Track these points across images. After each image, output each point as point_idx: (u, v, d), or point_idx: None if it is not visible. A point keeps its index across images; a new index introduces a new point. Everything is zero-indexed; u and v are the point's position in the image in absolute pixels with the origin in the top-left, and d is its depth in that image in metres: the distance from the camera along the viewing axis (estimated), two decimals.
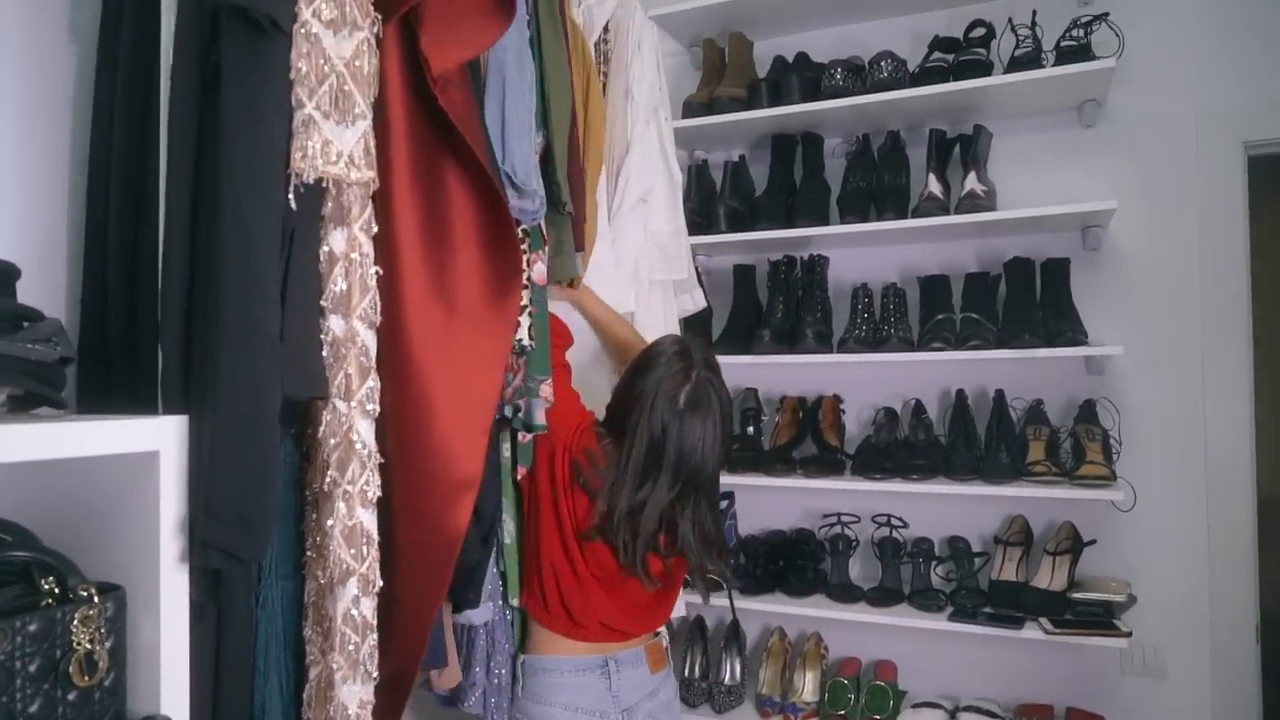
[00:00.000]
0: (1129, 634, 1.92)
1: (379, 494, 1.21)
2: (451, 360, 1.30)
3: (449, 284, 1.32)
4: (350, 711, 1.18)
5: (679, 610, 1.88)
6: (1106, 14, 2.05)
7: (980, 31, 2.16)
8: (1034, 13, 2.13)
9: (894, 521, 2.29)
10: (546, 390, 1.56)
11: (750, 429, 2.40)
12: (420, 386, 1.27)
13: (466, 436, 1.30)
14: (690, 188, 2.45)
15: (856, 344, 2.20)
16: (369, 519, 1.20)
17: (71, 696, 1.01)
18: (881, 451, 2.21)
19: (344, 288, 1.20)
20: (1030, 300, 2.13)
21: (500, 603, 1.66)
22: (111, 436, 1.03)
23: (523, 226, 1.52)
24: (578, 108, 1.77)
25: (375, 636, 1.20)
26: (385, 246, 1.26)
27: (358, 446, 1.19)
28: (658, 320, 1.93)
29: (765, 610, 2.29)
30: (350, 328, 1.20)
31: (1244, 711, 2.07)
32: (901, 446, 2.22)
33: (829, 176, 2.38)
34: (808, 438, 2.33)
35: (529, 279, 1.53)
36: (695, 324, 2.32)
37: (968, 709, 2.14)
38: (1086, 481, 1.96)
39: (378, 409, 1.22)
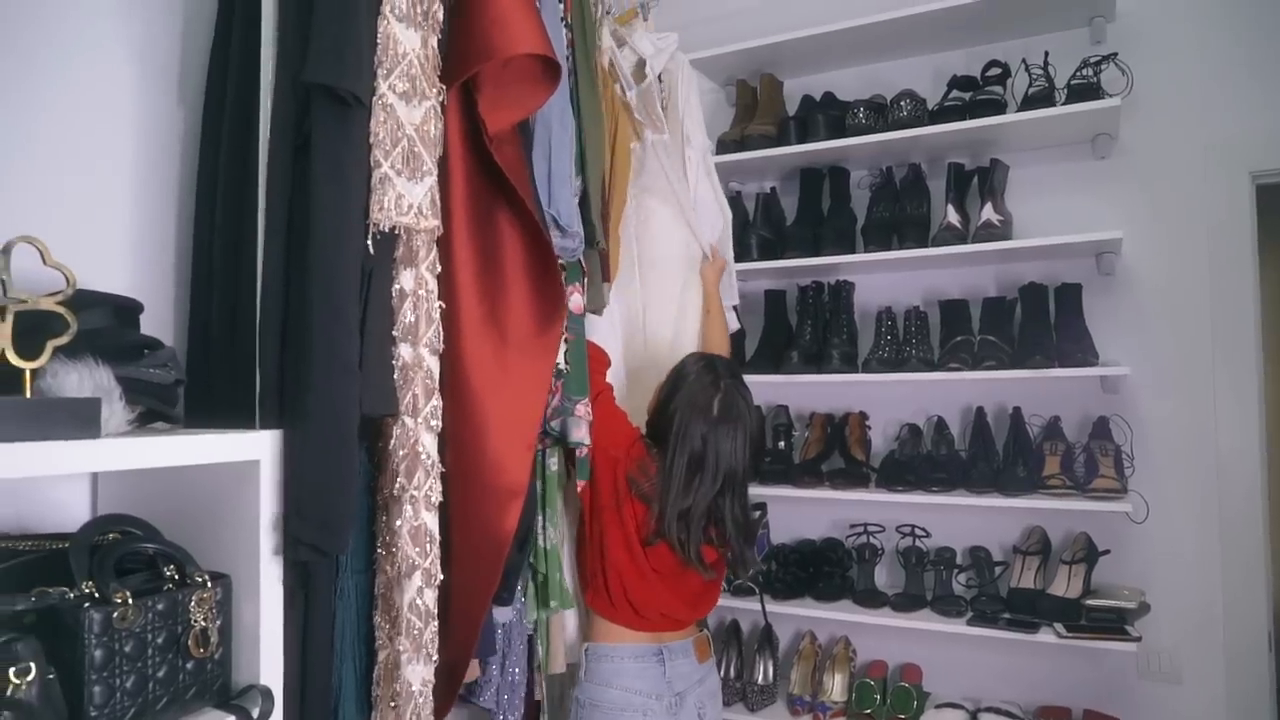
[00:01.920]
0: (1139, 639, 2.00)
1: (440, 499, 1.38)
2: (503, 384, 1.47)
3: (501, 316, 1.49)
4: (414, 688, 1.34)
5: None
6: (1115, 54, 2.16)
7: (996, 71, 2.28)
8: (1046, 53, 2.24)
9: (917, 531, 2.40)
10: (582, 410, 1.71)
11: (781, 444, 2.53)
12: (475, 406, 1.44)
13: (515, 450, 1.47)
14: None
15: (879, 365, 2.32)
16: (432, 520, 1.37)
17: (189, 666, 1.20)
18: (905, 465, 2.32)
19: (412, 319, 1.37)
20: (1044, 323, 2.23)
21: (520, 605, 1.81)
22: (220, 447, 1.22)
23: (562, 261, 1.69)
24: (605, 151, 1.94)
25: (436, 624, 1.37)
26: (447, 284, 1.43)
27: (423, 457, 1.36)
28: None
29: (796, 614, 2.41)
30: (417, 354, 1.38)
31: (1259, 718, 2.13)
32: (924, 460, 2.33)
33: (855, 206, 2.52)
34: (835, 452, 2.45)
35: (569, 311, 1.69)
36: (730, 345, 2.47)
37: (989, 710, 2.23)
38: (1099, 494, 2.05)
39: (440, 425, 1.39)
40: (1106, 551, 2.17)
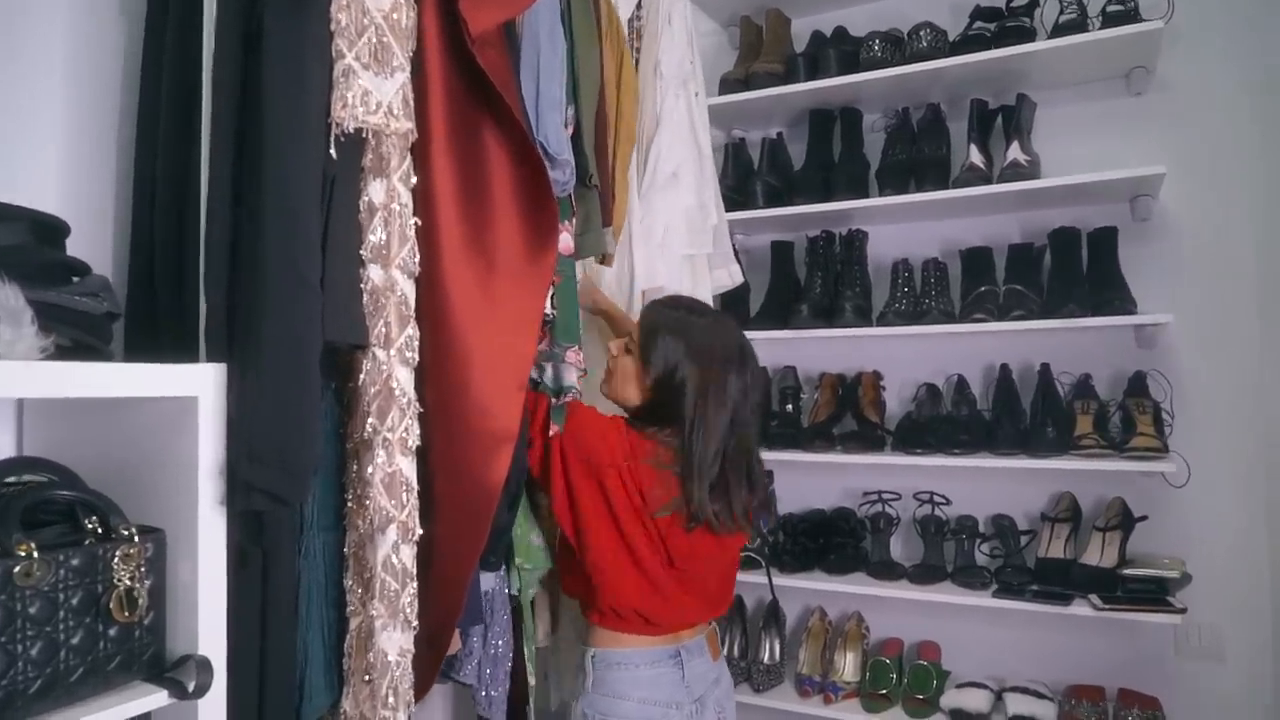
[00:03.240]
0: (1183, 610, 1.84)
1: (418, 443, 1.20)
2: (490, 316, 1.29)
3: (486, 240, 1.31)
4: (390, 658, 1.16)
5: None
6: None
7: (1023, 19, 2.10)
8: None
9: (936, 499, 2.22)
10: (573, 356, 1.54)
11: (789, 406, 2.35)
12: (458, 341, 1.26)
13: (504, 391, 1.29)
14: (726, 165, 2.42)
15: (896, 317, 2.15)
16: (408, 466, 1.19)
17: (112, 632, 1.01)
18: (923, 426, 2.15)
19: (383, 237, 1.19)
20: (1076, 271, 2.05)
21: (502, 573, 1.63)
22: (151, 379, 1.03)
23: None
24: (609, 85, 1.75)
25: (415, 585, 1.19)
26: (424, 201, 1.25)
27: (397, 394, 1.17)
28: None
29: (804, 588, 2.24)
30: (389, 277, 1.19)
31: None
32: (944, 422, 2.15)
33: (868, 152, 2.33)
34: (847, 414, 2.27)
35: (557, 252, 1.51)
36: (732, 301, 2.28)
37: (1015, 690, 2.06)
38: (1137, 453, 1.88)
39: (417, 358, 1.20)
40: (1144, 517, 2.00)
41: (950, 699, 2.07)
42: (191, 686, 1.04)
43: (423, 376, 1.22)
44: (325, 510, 1.26)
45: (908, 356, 2.33)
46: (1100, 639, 2.10)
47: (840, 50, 2.23)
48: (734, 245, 2.17)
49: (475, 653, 1.58)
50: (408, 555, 1.18)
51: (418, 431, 1.19)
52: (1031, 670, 2.16)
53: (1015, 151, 2.05)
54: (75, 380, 0.96)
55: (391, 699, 1.15)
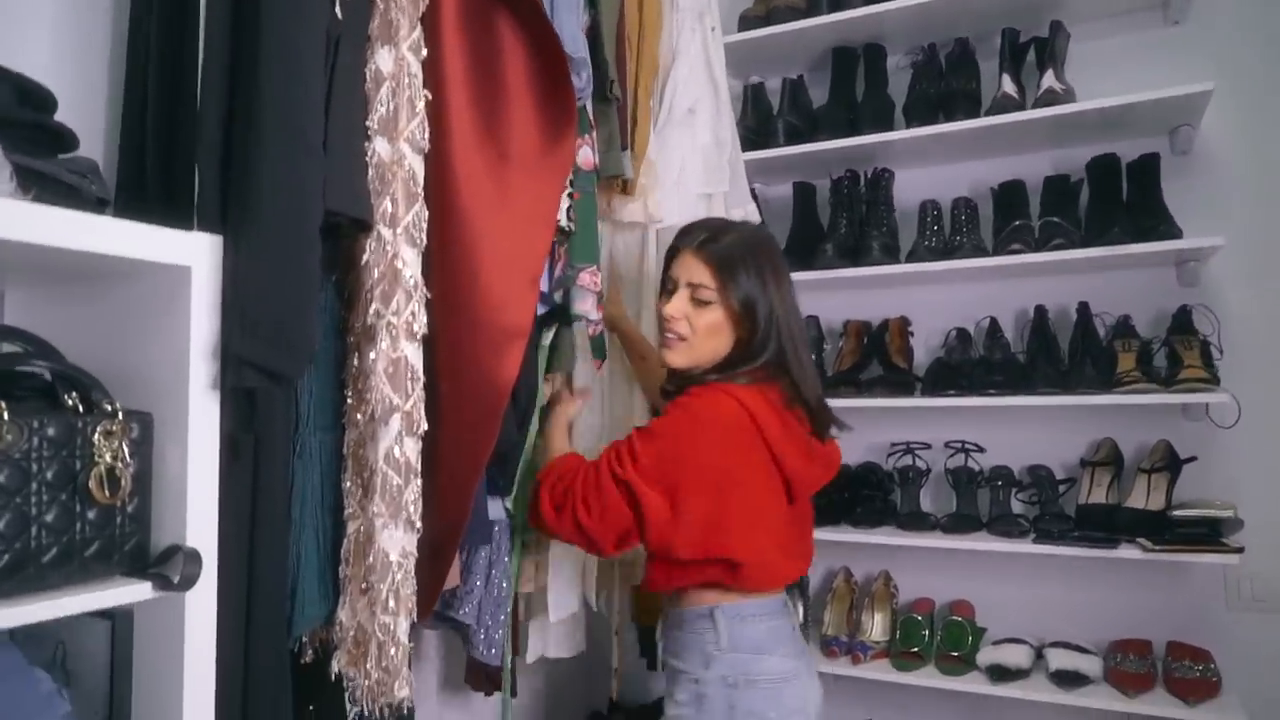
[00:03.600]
0: (1240, 550, 1.72)
1: (425, 330, 1.11)
2: (502, 206, 1.21)
3: (499, 128, 1.23)
4: (392, 558, 1.07)
5: None
6: None
7: None
8: None
9: (969, 447, 2.11)
10: (588, 279, 1.45)
11: (812, 357, 2.25)
12: (467, 230, 1.18)
13: (515, 284, 1.20)
14: (745, 108, 2.33)
15: (928, 253, 2.05)
16: (414, 354, 1.10)
17: (91, 515, 0.92)
18: (954, 369, 2.05)
19: (390, 109, 1.11)
20: (1116, 202, 1.95)
21: (508, 509, 1.54)
22: (143, 240, 0.94)
23: None
24: (630, 8, 1.68)
25: (419, 483, 1.09)
26: (432, 82, 1.16)
27: (405, 276, 1.09)
28: None
29: (829, 541, 2.12)
30: (397, 150, 1.11)
31: None
32: (977, 365, 2.05)
33: (892, 92, 2.24)
34: (874, 361, 2.17)
35: (577, 166, 1.42)
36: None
37: (1056, 645, 1.95)
38: (1186, 385, 1.77)
39: (425, 240, 1.11)
40: (1193, 458, 1.89)
41: (987, 655, 1.95)
42: (177, 578, 0.95)
43: (429, 269, 1.13)
44: (323, 409, 1.17)
45: (937, 302, 2.23)
46: (1145, 592, 1.99)
47: None
48: (753, 191, 2.08)
49: (476, 592, 1.49)
50: (411, 449, 1.09)
51: (425, 319, 1.10)
52: (1073, 629, 2.04)
53: (1050, 79, 1.96)
54: (58, 227, 0.87)
55: (392, 602, 1.06)
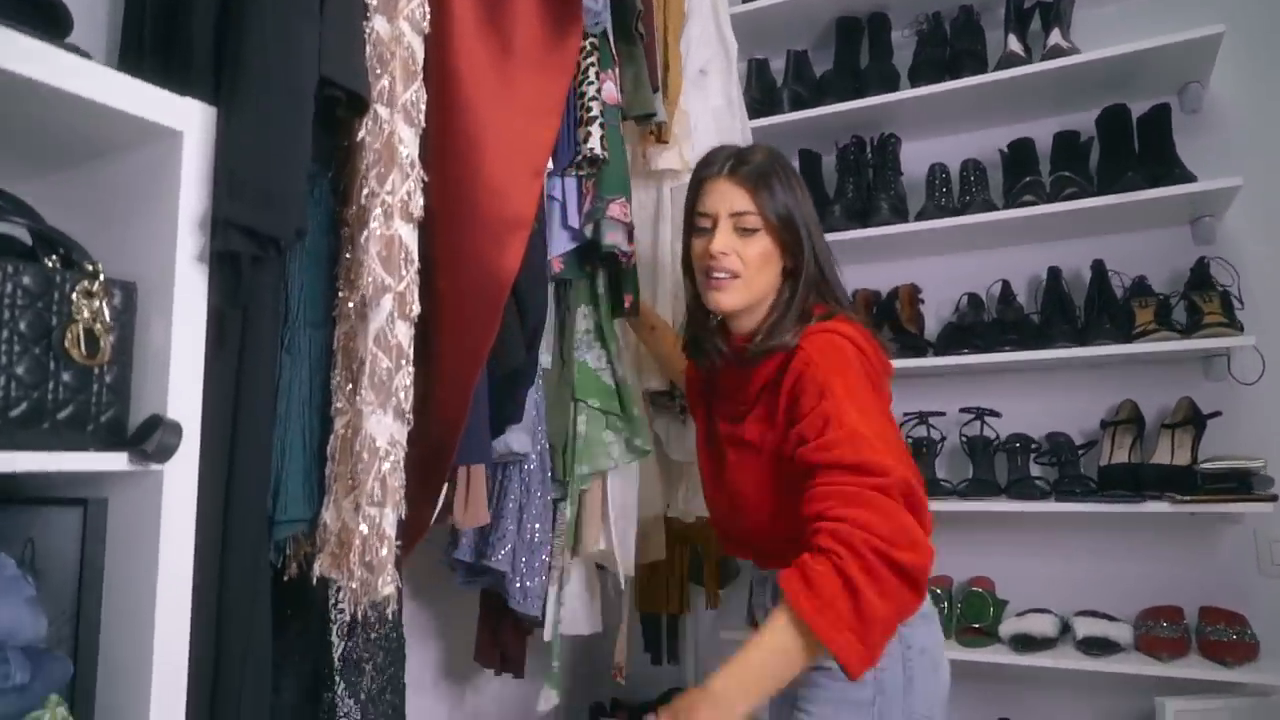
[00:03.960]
0: (1275, 498, 1.64)
1: (421, 213, 1.06)
2: (505, 97, 1.17)
3: (503, 20, 1.20)
4: (379, 444, 1.00)
5: None
6: None
7: None
8: None
9: (984, 413, 2.05)
10: (618, 210, 1.42)
11: None
12: (469, 120, 1.14)
13: (517, 175, 1.16)
14: (750, 82, 2.32)
15: (937, 211, 2.01)
16: (409, 235, 1.05)
17: (66, 376, 0.87)
18: (967, 330, 1.99)
19: None
20: (1128, 154, 1.92)
21: (544, 445, 1.48)
22: (138, 95, 0.90)
23: (590, 38, 1.41)
24: None
25: (410, 370, 1.03)
26: None
27: (400, 155, 1.04)
28: None
29: None
30: (396, 29, 1.07)
31: None
32: (990, 326, 2.00)
33: (897, 63, 2.23)
34: (884, 329, 2.12)
35: (600, 98, 1.40)
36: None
37: (1082, 614, 1.86)
38: (1209, 331, 1.71)
39: (423, 122, 1.08)
40: (1217, 413, 1.83)
41: (1011, 626, 1.86)
42: (153, 447, 0.89)
43: (427, 156, 1.09)
44: (313, 305, 1.11)
45: (947, 271, 2.19)
46: (1173, 560, 1.90)
47: None
48: None
49: (509, 536, 1.42)
50: (404, 333, 1.03)
51: (420, 201, 1.06)
52: (1099, 600, 1.94)
53: (1056, 37, 1.95)
54: (49, 65, 0.83)
55: (378, 492, 0.99)
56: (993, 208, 1.99)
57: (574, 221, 1.42)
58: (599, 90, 1.41)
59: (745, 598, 2.25)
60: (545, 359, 1.52)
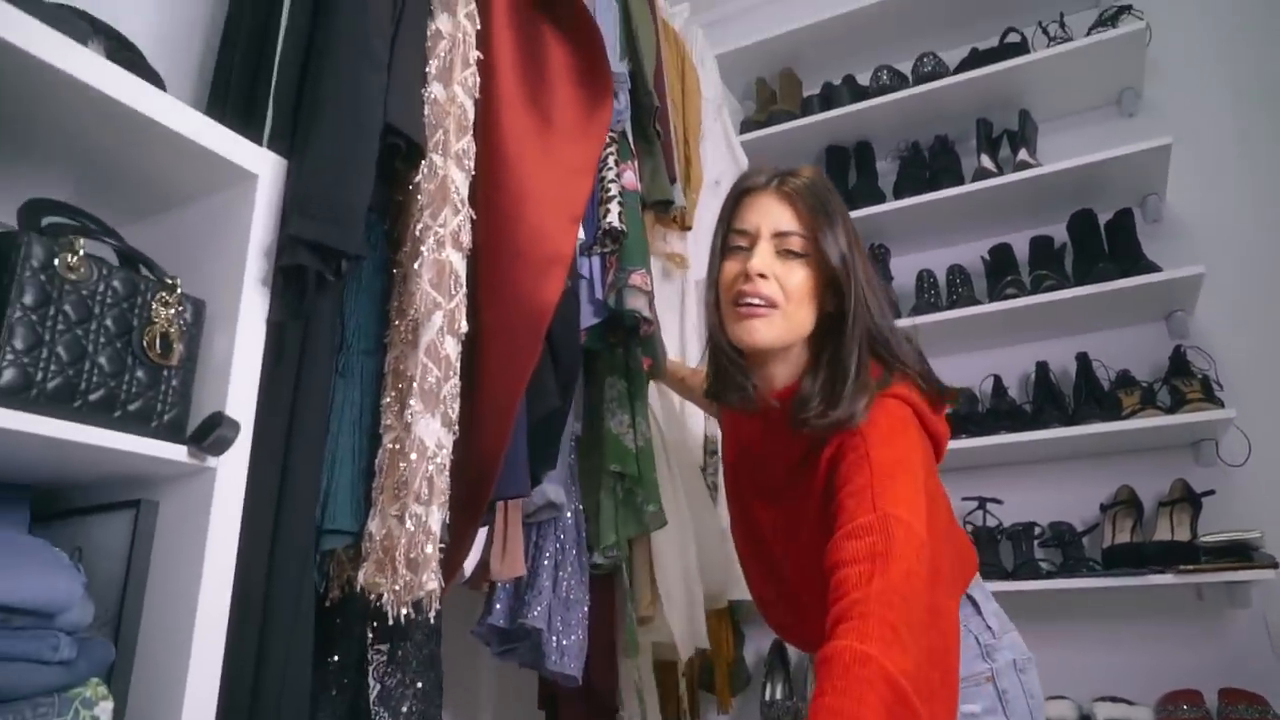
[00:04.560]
0: (1276, 564, 1.66)
1: (470, 246, 1.16)
2: (546, 160, 1.31)
3: (544, 100, 1.35)
4: (428, 445, 1.06)
5: None
6: (1129, 6, 2.17)
7: (1016, 38, 2.30)
8: (1061, 13, 2.27)
9: (987, 502, 2.08)
10: (638, 279, 1.52)
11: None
12: (513, 176, 1.27)
13: (557, 220, 1.28)
14: None
15: (928, 308, 2.13)
16: (459, 261, 1.15)
17: (140, 374, 0.95)
18: (964, 419, 2.06)
19: (447, 61, 1.23)
20: (1098, 251, 2.07)
21: (578, 505, 1.52)
22: (223, 139, 1.03)
23: (610, 133, 1.57)
24: (672, 71, 1.89)
25: (457, 382, 1.10)
26: (485, 64, 1.29)
27: (452, 194, 1.17)
28: None
29: None
30: (450, 93, 1.22)
31: None
32: (985, 415, 2.07)
33: (883, 185, 2.44)
34: None
35: (620, 182, 1.55)
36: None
37: (1102, 699, 1.81)
38: (1193, 408, 1.79)
39: (473, 169, 1.20)
40: (1210, 492, 1.87)
41: None
42: (210, 440, 0.94)
43: (475, 210, 1.21)
44: (366, 335, 1.20)
45: (938, 370, 2.27)
46: (1186, 648, 1.88)
47: (851, 88, 2.40)
48: None
49: (544, 592, 1.43)
50: (452, 348, 1.11)
51: (469, 236, 1.17)
52: (1114, 690, 1.90)
53: (1024, 155, 2.16)
54: (158, 105, 0.96)
55: (425, 490, 1.03)
56: (978, 302, 2.12)
57: (599, 294, 1.52)
58: (618, 175, 1.55)
59: (757, 705, 2.18)
60: (576, 426, 1.59)
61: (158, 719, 0.90)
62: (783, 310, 1.05)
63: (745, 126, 2.50)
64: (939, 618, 0.87)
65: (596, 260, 1.54)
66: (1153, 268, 1.94)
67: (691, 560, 1.65)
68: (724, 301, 1.10)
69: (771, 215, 1.08)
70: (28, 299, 0.85)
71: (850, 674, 0.74)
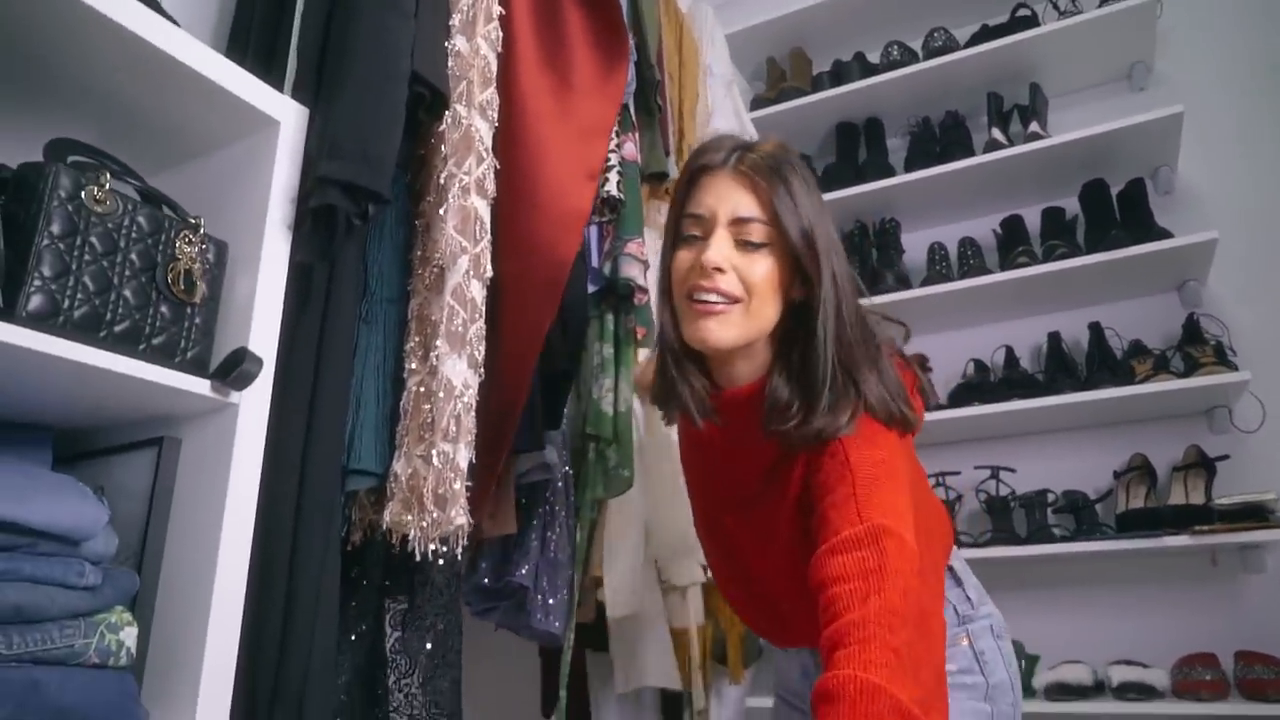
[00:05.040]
0: None
1: (494, 194, 1.17)
2: (563, 121, 1.32)
3: (560, 61, 1.36)
4: (455, 384, 1.06)
5: None
6: None
7: (1026, 12, 2.29)
8: None
9: (999, 470, 2.07)
10: (634, 248, 1.53)
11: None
12: (531, 136, 1.28)
13: (576, 177, 1.29)
14: None
15: (940, 278, 2.13)
16: (483, 207, 1.16)
17: (164, 309, 0.95)
18: (975, 389, 2.06)
19: (470, 15, 1.23)
20: (1110, 221, 2.06)
21: (567, 469, 1.51)
22: (249, 85, 1.04)
23: None
24: (670, 44, 1.89)
25: (482, 325, 1.10)
26: (505, 28, 1.30)
27: (475, 142, 1.17)
28: None
29: None
30: (474, 45, 1.23)
31: None
32: (998, 385, 2.06)
33: (893, 162, 2.43)
34: None
35: (620, 153, 1.55)
36: None
37: (1117, 663, 1.80)
38: (1207, 371, 1.78)
39: (496, 120, 1.20)
40: (1225, 456, 1.85)
41: (1045, 678, 1.80)
42: (235, 374, 0.95)
43: (496, 169, 1.21)
44: (389, 283, 1.21)
45: (950, 342, 2.27)
46: (1201, 613, 1.87)
47: (861, 64, 2.40)
48: None
49: (532, 552, 1.42)
50: (478, 291, 1.12)
51: (493, 184, 1.17)
52: (1129, 655, 1.88)
53: (1034, 127, 2.14)
54: (189, 50, 0.97)
55: (453, 428, 1.03)
56: (990, 271, 2.11)
57: (595, 263, 1.52)
58: (618, 146, 1.55)
59: (769, 676, 2.17)
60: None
61: (181, 647, 0.90)
62: (744, 306, 0.92)
63: (756, 104, 2.50)
64: (931, 626, 0.82)
65: (594, 229, 1.54)
66: (1165, 235, 1.92)
67: (642, 528, 1.63)
68: (677, 296, 0.97)
69: (729, 199, 0.94)
70: (55, 228, 0.86)
71: (859, 709, 0.68)
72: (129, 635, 0.85)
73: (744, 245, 0.93)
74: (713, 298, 0.92)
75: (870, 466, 0.86)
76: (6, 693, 0.74)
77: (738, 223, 0.93)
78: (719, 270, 0.92)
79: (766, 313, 0.94)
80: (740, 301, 0.93)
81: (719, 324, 0.92)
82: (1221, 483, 1.86)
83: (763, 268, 0.93)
